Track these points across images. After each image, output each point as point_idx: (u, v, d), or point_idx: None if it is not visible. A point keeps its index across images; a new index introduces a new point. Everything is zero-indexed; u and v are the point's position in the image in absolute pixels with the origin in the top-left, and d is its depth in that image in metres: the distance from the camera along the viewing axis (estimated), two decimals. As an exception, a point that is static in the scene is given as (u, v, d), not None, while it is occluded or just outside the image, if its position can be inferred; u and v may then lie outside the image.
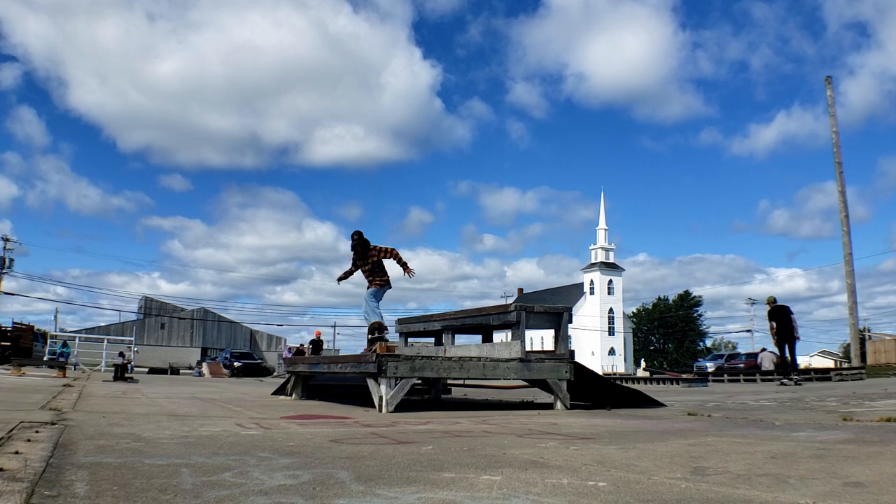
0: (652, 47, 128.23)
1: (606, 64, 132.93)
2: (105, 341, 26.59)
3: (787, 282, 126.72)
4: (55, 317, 60.26)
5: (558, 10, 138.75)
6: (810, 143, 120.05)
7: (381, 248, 8.16)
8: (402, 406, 5.90)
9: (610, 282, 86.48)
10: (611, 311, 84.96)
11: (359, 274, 8.34)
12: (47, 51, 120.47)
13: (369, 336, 7.63)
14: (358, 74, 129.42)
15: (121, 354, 21.74)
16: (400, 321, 9.53)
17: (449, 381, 10.00)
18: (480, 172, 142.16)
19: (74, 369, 20.50)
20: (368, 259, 8.06)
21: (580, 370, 6.86)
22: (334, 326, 73.85)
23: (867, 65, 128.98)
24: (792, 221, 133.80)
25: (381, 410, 5.73)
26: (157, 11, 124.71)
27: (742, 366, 43.37)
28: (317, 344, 24.18)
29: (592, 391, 7.25)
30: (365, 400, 6.57)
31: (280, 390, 9.37)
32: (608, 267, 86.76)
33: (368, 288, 8.18)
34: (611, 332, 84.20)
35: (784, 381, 12.42)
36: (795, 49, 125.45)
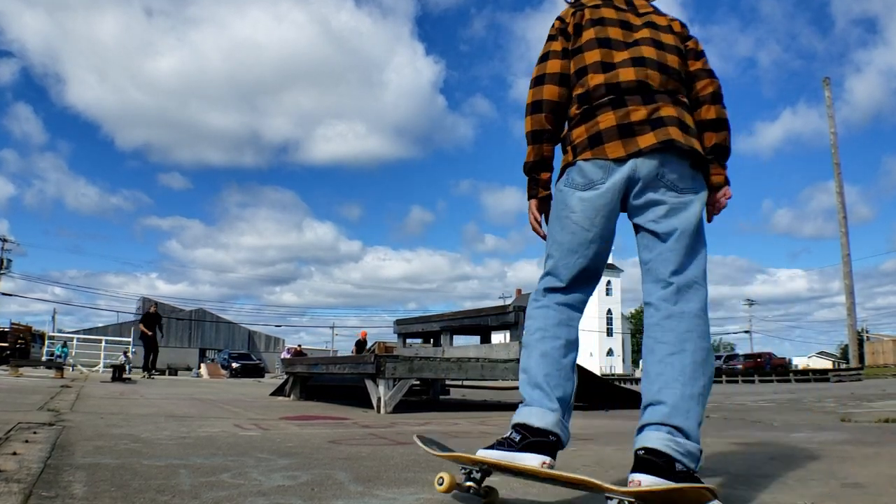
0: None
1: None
2: (103, 342, 26.49)
3: (787, 282, 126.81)
4: (53, 317, 60.31)
5: (563, 5, 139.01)
6: (815, 141, 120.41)
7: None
8: (401, 407, 5.90)
9: (608, 282, 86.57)
10: (609, 311, 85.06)
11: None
12: (45, 47, 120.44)
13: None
14: (360, 71, 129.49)
15: (124, 353, 21.74)
16: (398, 322, 9.54)
17: (447, 382, 10.00)
18: (482, 171, 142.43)
19: (72, 370, 20.45)
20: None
21: (578, 371, 6.84)
22: (332, 327, 73.90)
23: (874, 62, 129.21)
24: (795, 221, 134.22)
25: (379, 411, 5.73)
26: (156, 7, 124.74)
27: (740, 367, 43.34)
28: (361, 344, 24.55)
29: (590, 392, 7.25)
30: (363, 401, 6.56)
31: (278, 391, 9.36)
32: (607, 267, 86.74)
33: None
34: (609, 332, 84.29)
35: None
36: (803, 45, 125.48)
